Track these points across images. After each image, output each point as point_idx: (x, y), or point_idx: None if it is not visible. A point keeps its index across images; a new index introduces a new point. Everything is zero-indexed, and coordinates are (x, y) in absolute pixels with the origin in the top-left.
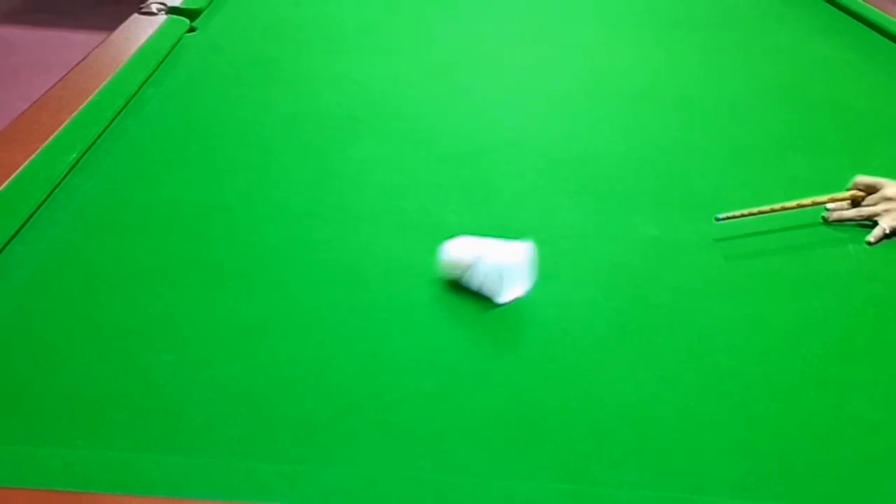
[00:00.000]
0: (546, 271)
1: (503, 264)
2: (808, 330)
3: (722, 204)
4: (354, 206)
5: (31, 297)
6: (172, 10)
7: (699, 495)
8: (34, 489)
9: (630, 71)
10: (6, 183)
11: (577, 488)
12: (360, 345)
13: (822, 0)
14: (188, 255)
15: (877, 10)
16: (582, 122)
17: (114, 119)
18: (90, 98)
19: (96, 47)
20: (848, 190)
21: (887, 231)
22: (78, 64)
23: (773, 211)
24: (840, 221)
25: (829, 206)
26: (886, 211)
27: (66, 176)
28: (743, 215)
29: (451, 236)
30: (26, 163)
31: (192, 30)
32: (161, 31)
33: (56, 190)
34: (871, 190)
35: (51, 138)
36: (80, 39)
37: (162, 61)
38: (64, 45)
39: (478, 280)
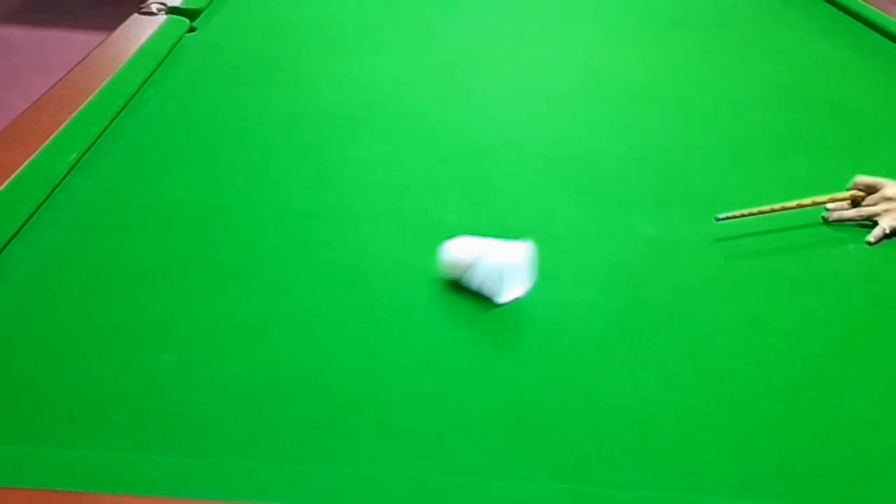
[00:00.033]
0: (546, 271)
1: (503, 264)
2: (808, 330)
3: (722, 204)
4: (354, 206)
5: (31, 297)
6: (172, 10)
7: (699, 495)
8: (34, 489)
9: (630, 71)
10: (6, 183)
11: (577, 488)
12: (360, 345)
13: (822, 0)
14: (188, 255)
15: (877, 10)
16: (582, 122)
17: (114, 119)
18: (90, 98)
19: (96, 47)
20: (848, 190)
21: (887, 231)
22: (78, 64)
23: (773, 211)
24: (840, 221)
25: (829, 206)
26: (886, 211)
27: (66, 176)
28: (743, 215)
29: (451, 236)
30: (26, 163)
31: (192, 30)
32: (161, 31)
33: (56, 190)
34: (871, 190)
35: (51, 138)
36: (80, 39)
37: (162, 61)
38: (64, 45)
39: (478, 280)
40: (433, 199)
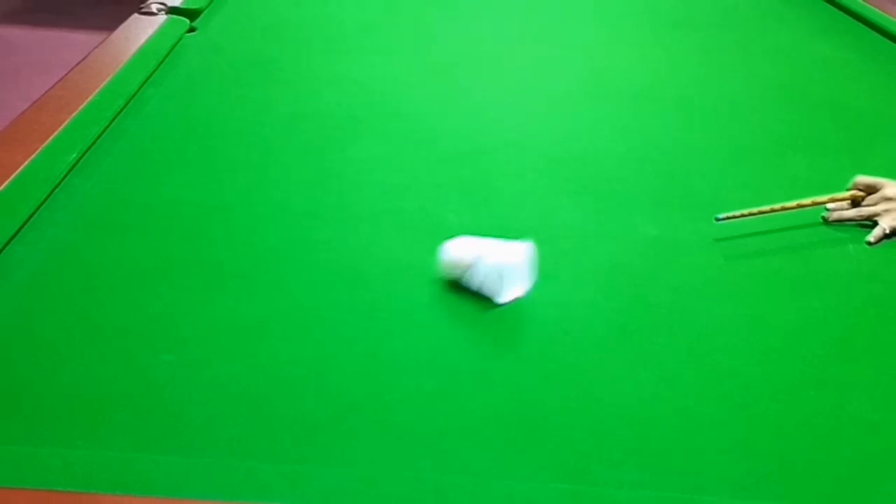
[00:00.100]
0: (546, 271)
1: (503, 264)
2: (808, 330)
3: (722, 204)
4: (354, 206)
5: (31, 297)
6: (172, 10)
7: (699, 495)
8: (34, 489)
9: (630, 71)
10: (6, 183)
11: (577, 488)
12: (360, 345)
13: (822, 0)
14: (188, 255)
15: (877, 10)
16: (582, 122)
17: (114, 119)
18: (90, 98)
19: (96, 47)
20: (848, 190)
21: (887, 231)
22: (78, 64)
23: (773, 211)
24: (840, 221)
25: (829, 206)
26: (886, 211)
27: (66, 176)
28: (743, 215)
29: (451, 236)
30: (26, 163)
31: (192, 30)
32: (161, 31)
33: (56, 190)
34: (871, 190)
35: (51, 138)
36: (80, 39)
37: (162, 61)
38: (64, 45)
39: (478, 280)
40: (433, 199)
